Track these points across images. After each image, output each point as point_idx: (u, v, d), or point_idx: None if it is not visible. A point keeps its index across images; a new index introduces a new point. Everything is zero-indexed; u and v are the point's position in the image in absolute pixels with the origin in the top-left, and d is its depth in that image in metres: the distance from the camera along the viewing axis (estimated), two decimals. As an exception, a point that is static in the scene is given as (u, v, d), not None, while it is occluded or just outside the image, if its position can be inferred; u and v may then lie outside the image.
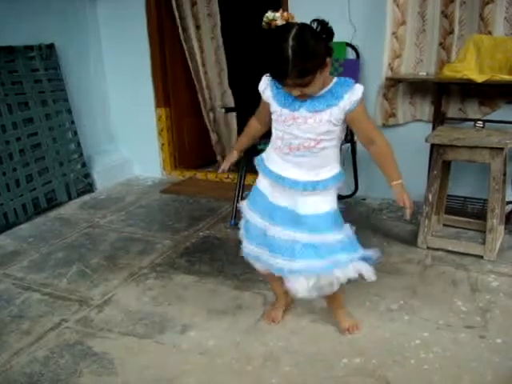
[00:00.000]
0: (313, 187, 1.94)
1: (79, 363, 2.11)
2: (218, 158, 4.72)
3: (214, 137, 4.64)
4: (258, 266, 2.16)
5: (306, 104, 1.85)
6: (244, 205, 2.17)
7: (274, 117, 1.96)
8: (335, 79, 1.85)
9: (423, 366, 2.01)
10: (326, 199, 1.98)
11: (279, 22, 1.76)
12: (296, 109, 1.87)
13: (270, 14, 1.78)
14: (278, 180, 1.99)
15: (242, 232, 2.20)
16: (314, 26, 1.74)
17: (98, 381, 2.02)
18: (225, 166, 2.26)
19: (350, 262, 1.97)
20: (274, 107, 1.93)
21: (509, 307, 2.38)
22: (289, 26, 1.73)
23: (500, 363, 2.01)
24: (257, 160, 2.10)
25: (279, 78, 1.76)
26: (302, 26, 1.73)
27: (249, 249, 2.13)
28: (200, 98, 4.53)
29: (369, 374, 1.98)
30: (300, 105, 1.86)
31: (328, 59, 1.76)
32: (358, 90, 1.83)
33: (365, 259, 2.00)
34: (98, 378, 2.03)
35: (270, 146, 2.05)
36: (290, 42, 1.66)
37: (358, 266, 1.99)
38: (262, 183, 2.09)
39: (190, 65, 4.42)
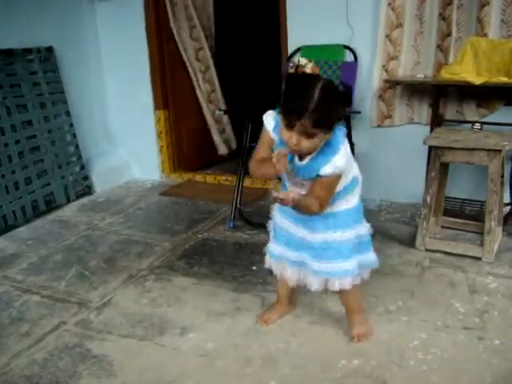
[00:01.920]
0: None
1: (78, 365, 2.12)
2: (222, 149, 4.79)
3: (215, 130, 4.71)
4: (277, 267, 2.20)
5: (301, 172, 1.89)
6: (275, 211, 2.17)
7: None
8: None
9: (422, 367, 2.02)
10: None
11: (307, 70, 1.79)
12: (296, 172, 1.90)
13: (302, 60, 1.80)
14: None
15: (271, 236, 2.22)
16: (339, 85, 1.75)
17: (97, 383, 2.02)
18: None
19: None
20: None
21: (507, 308, 2.39)
22: (318, 76, 1.75)
23: (498, 364, 2.01)
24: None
25: (295, 115, 1.69)
26: (330, 81, 1.75)
27: (272, 246, 2.18)
28: (199, 95, 4.60)
29: (367, 376, 1.98)
30: (298, 171, 1.89)
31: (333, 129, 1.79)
32: (335, 163, 1.80)
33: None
34: (97, 381, 2.03)
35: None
36: (319, 88, 1.69)
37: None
38: None
39: (188, 64, 4.47)
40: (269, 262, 2.23)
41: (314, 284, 2.08)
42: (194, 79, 4.52)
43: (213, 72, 4.54)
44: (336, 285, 2.06)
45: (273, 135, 1.92)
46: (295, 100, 1.72)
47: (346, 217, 2.02)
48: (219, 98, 4.67)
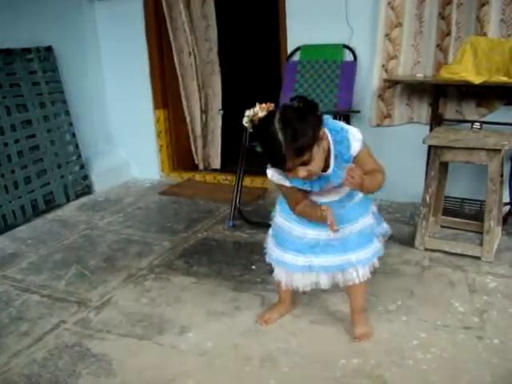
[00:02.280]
0: (349, 199, 2.02)
1: (78, 364, 2.12)
2: (201, 166, 4.71)
3: (199, 143, 4.61)
4: (282, 273, 2.17)
5: (331, 179, 1.88)
6: (278, 217, 2.16)
7: None
8: (328, 136, 1.84)
9: (421, 366, 2.02)
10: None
11: (261, 114, 1.77)
12: (324, 186, 1.91)
13: (249, 112, 1.79)
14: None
15: (271, 243, 2.20)
16: (295, 103, 1.73)
17: (96, 382, 2.02)
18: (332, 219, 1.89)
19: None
20: (303, 188, 1.95)
21: (506, 308, 2.39)
22: (271, 113, 1.75)
23: (498, 364, 2.01)
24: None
25: (280, 165, 1.75)
26: (283, 107, 1.75)
27: (288, 258, 2.11)
28: (185, 103, 4.48)
29: (367, 375, 1.98)
30: (326, 181, 1.89)
31: (321, 131, 1.76)
32: (355, 139, 1.86)
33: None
34: (97, 380, 2.03)
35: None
36: (277, 126, 1.67)
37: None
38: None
39: (178, 67, 4.38)
40: (281, 275, 2.18)
41: (357, 276, 2.08)
42: (181, 85, 4.44)
43: (199, 81, 4.40)
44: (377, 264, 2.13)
45: (289, 183, 1.93)
46: (270, 152, 1.74)
47: (369, 196, 2.09)
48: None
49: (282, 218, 2.13)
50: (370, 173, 1.87)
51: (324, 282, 2.11)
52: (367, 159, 1.91)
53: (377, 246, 2.11)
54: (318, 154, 1.75)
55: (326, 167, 1.86)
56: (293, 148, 1.66)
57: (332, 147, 1.85)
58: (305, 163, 1.73)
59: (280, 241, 2.15)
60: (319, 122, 1.76)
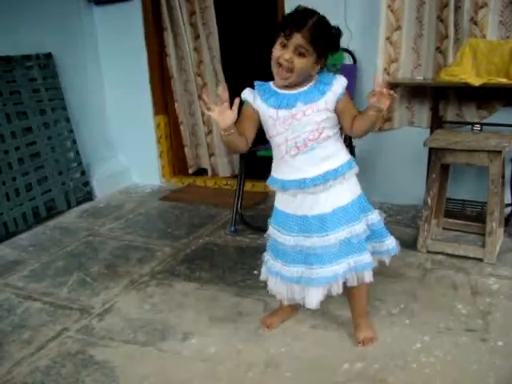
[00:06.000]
0: (334, 176, 1.94)
1: (81, 372, 2.11)
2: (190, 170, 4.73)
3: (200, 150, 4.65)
4: (276, 285, 2.15)
5: (300, 98, 1.90)
6: (270, 229, 2.14)
7: (269, 123, 1.97)
8: (316, 71, 1.94)
9: (424, 369, 2.01)
10: (347, 188, 2.00)
11: None
12: (292, 105, 1.91)
13: None
14: (300, 185, 1.96)
15: (267, 257, 2.18)
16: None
17: (99, 389, 2.02)
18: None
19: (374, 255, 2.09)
20: (269, 112, 1.94)
21: (509, 310, 2.38)
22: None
23: (502, 366, 2.00)
24: (269, 181, 2.09)
25: (295, 27, 1.79)
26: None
27: (278, 267, 2.09)
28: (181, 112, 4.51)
29: (370, 379, 1.98)
30: (295, 100, 1.90)
31: (323, 58, 1.89)
32: (342, 77, 1.95)
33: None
34: (100, 387, 2.03)
35: (274, 160, 2.06)
36: (318, 14, 1.84)
37: (379, 256, 2.14)
38: (281, 202, 2.08)
39: (175, 74, 4.39)
40: (275, 285, 2.17)
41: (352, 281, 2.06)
42: (174, 90, 4.46)
43: (193, 83, 4.39)
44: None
45: (255, 106, 1.98)
46: (296, 15, 1.83)
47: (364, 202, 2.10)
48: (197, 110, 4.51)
49: (271, 227, 2.13)
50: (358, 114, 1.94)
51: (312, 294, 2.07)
52: (353, 105, 1.98)
53: (364, 258, 2.01)
54: (308, 61, 1.83)
55: (303, 84, 1.92)
56: (313, 30, 1.79)
57: (317, 77, 1.93)
58: (297, 52, 1.81)
59: (274, 252, 2.13)
60: (331, 51, 1.90)
